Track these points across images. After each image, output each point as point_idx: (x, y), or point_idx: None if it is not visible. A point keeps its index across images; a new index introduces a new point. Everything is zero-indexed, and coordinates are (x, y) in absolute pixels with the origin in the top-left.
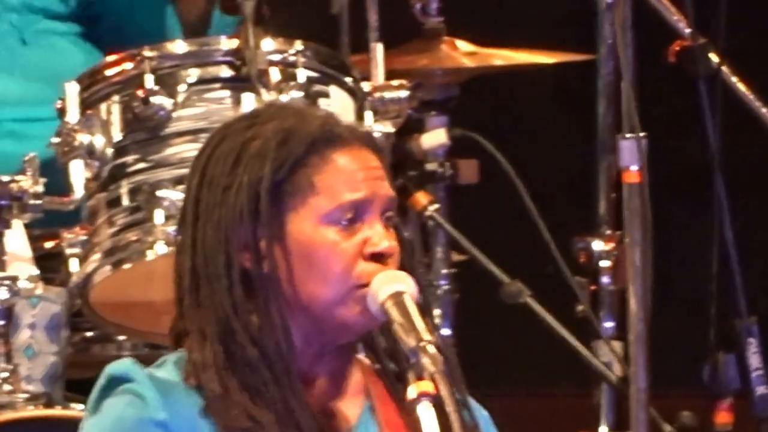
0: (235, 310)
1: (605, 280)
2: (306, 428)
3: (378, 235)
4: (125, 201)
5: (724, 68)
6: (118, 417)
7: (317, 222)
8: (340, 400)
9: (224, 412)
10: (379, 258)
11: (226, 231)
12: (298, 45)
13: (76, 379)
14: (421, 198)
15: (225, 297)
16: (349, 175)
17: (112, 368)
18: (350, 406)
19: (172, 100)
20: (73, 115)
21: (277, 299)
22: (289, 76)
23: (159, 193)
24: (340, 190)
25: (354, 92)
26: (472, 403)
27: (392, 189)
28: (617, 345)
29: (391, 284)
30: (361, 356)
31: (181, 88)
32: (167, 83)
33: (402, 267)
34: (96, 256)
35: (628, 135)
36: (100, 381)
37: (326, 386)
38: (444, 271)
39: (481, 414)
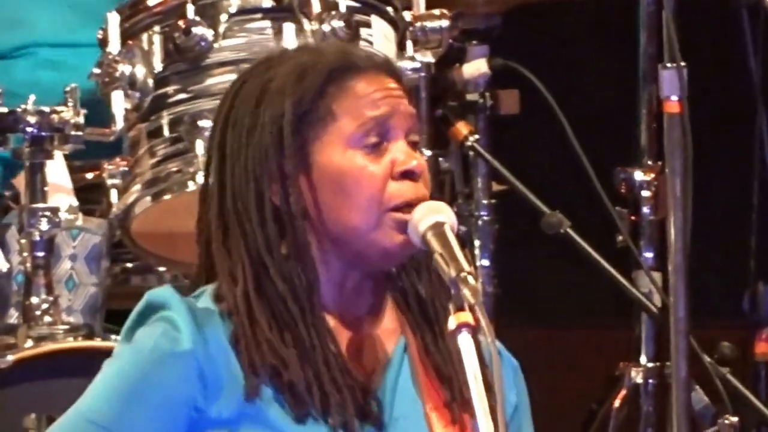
0: (267, 245)
1: (645, 210)
2: (329, 366)
3: (405, 154)
4: (166, 132)
5: None
6: (152, 348)
7: (343, 146)
8: (377, 335)
9: (252, 347)
10: (409, 175)
11: (254, 169)
12: None
13: (117, 310)
14: (462, 128)
15: (257, 233)
16: (368, 96)
17: (152, 295)
18: (386, 341)
19: (213, 31)
20: (114, 46)
21: (306, 234)
22: (330, 6)
23: (200, 123)
24: (361, 110)
25: (395, 22)
26: (503, 351)
27: (412, 107)
28: (657, 276)
29: (432, 215)
30: None
31: (223, 18)
32: (208, 14)
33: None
34: (137, 187)
35: (669, 65)
36: (139, 306)
37: (365, 322)
38: (484, 201)
39: (511, 364)
